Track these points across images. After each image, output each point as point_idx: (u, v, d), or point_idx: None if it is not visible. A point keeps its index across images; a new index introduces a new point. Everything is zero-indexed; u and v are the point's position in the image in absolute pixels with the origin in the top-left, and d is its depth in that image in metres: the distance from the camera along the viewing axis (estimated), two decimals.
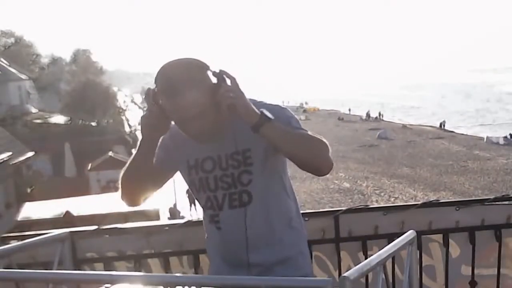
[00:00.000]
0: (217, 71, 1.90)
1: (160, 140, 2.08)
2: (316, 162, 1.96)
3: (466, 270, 2.77)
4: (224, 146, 2.03)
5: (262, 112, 1.87)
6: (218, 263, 2.17)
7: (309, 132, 1.98)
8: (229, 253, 2.11)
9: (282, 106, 2.06)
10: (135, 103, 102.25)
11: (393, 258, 2.28)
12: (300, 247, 2.13)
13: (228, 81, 1.88)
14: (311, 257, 2.40)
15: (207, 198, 2.10)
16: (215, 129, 1.96)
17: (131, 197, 2.11)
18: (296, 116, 2.07)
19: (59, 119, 36.48)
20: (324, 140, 1.97)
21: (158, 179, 2.13)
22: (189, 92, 1.85)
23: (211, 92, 1.87)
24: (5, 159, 17.14)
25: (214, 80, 1.89)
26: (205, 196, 2.11)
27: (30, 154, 19.98)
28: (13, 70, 38.56)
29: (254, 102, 2.01)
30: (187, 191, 22.36)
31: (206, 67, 1.91)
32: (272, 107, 1.99)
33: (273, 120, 1.88)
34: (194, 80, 1.86)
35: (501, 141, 41.04)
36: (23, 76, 39.67)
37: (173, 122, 2.04)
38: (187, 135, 1.97)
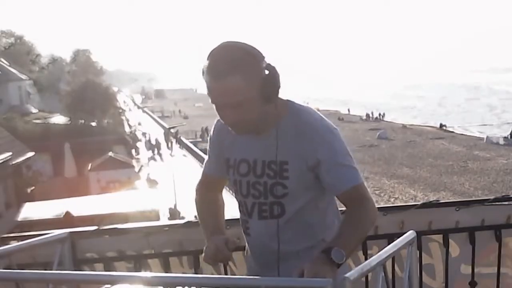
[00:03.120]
0: (271, 63, 1.83)
1: (210, 142, 2.12)
2: None
3: (465, 269, 2.77)
4: (263, 152, 1.95)
5: (336, 262, 1.70)
6: (248, 265, 2.17)
7: (356, 182, 1.89)
8: (257, 259, 2.08)
9: (332, 127, 1.93)
10: (135, 103, 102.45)
11: (393, 258, 2.28)
12: None
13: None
14: None
15: (239, 202, 2.07)
16: (253, 125, 1.88)
17: None
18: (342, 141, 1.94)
19: (59, 119, 36.46)
20: (372, 209, 1.90)
21: (222, 183, 2.19)
22: (232, 78, 1.76)
23: (258, 85, 1.80)
24: (5, 159, 17.13)
25: (266, 72, 1.82)
26: (238, 199, 2.07)
27: (30, 154, 19.97)
28: (13, 70, 38.58)
29: (303, 109, 1.94)
30: None
31: (261, 57, 1.82)
32: (318, 128, 1.90)
33: (343, 252, 1.72)
34: (241, 67, 1.77)
35: (501, 141, 40.99)
36: (23, 76, 39.68)
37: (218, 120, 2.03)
38: (223, 122, 1.92)
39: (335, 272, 1.68)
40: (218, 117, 2.01)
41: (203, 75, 1.82)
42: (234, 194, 2.10)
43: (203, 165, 2.23)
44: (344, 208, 2.11)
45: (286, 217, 1.97)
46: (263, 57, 1.82)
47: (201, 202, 2.20)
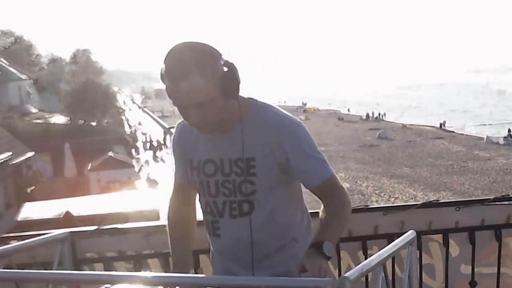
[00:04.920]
0: (229, 60, 1.83)
1: (173, 148, 2.12)
2: None
3: (465, 269, 2.77)
4: (229, 150, 1.95)
5: (326, 254, 1.72)
6: (219, 269, 2.13)
7: (327, 174, 1.91)
8: (229, 260, 2.05)
9: (296, 120, 1.96)
10: (135, 103, 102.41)
11: (393, 258, 2.27)
12: None
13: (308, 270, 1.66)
14: None
15: (206, 203, 2.04)
16: (218, 122, 1.88)
17: None
18: (308, 133, 1.96)
19: (59, 119, 36.45)
20: (347, 197, 1.93)
21: (195, 190, 2.11)
22: (193, 79, 1.76)
23: (218, 83, 1.79)
24: (5, 159, 17.11)
25: (224, 69, 1.81)
26: (204, 200, 2.05)
27: (30, 154, 19.95)
28: (13, 70, 38.54)
29: (266, 106, 1.95)
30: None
31: (218, 55, 1.82)
32: (282, 121, 1.92)
33: (332, 245, 1.74)
34: (201, 67, 1.77)
35: (501, 141, 40.98)
36: (23, 76, 39.65)
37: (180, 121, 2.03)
38: (188, 122, 1.92)
39: (327, 264, 1.72)
40: (180, 120, 2.03)
41: (161, 78, 1.82)
42: (199, 196, 2.08)
43: (174, 175, 2.21)
44: (313, 211, 2.11)
45: (255, 214, 1.96)
46: (221, 55, 1.82)
47: (170, 227, 2.22)
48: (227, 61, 1.83)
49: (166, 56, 1.80)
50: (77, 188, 19.63)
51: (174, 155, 2.15)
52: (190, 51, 1.79)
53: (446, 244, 2.73)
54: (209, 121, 1.85)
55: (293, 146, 1.90)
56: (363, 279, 2.28)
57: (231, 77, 1.82)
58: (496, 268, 2.75)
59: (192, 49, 1.80)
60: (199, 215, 2.21)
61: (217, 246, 2.08)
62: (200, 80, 1.77)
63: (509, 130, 43.77)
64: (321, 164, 1.93)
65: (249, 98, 1.98)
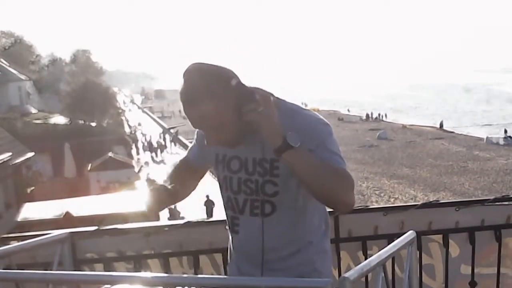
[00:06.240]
0: (251, 85, 1.83)
1: (196, 132, 2.13)
2: (333, 200, 1.85)
3: (465, 269, 2.77)
4: (254, 150, 1.95)
5: (286, 138, 1.77)
6: (233, 266, 2.13)
7: (340, 165, 1.86)
8: (244, 259, 2.06)
9: (325, 121, 1.93)
10: (135, 103, 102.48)
11: (393, 258, 2.28)
12: (316, 265, 2.01)
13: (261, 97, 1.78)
14: None
15: (228, 198, 2.05)
16: (237, 138, 1.89)
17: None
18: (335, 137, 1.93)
19: (59, 119, 36.46)
20: (350, 179, 1.86)
21: (196, 175, 2.19)
22: (203, 105, 1.77)
23: (234, 105, 1.79)
24: (5, 159, 17.12)
25: (240, 92, 1.80)
26: (226, 196, 2.06)
27: (30, 154, 19.96)
28: (13, 71, 38.58)
29: (297, 109, 1.94)
30: (205, 203, 22.03)
31: (233, 78, 1.81)
32: (311, 121, 1.90)
33: (298, 148, 1.77)
34: (214, 93, 1.77)
35: (501, 141, 41.00)
36: (23, 77, 39.68)
37: None
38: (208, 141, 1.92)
39: (277, 138, 1.76)
40: None
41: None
42: (220, 190, 2.08)
43: (188, 150, 2.24)
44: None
45: (275, 215, 1.96)
46: (237, 78, 1.82)
47: (174, 167, 2.23)
48: (239, 82, 1.82)
49: (183, 74, 1.81)
50: (77, 189, 19.66)
51: (197, 137, 2.16)
52: (201, 76, 1.79)
53: (446, 244, 2.73)
54: (227, 139, 1.88)
55: (315, 144, 1.87)
56: (363, 279, 2.29)
57: (245, 99, 1.80)
58: (496, 268, 2.76)
59: (203, 72, 1.79)
60: (193, 195, 2.23)
61: (234, 242, 2.09)
62: (211, 106, 1.77)
63: (505, 131, 43.81)
64: (337, 158, 1.90)
65: (278, 99, 1.96)
